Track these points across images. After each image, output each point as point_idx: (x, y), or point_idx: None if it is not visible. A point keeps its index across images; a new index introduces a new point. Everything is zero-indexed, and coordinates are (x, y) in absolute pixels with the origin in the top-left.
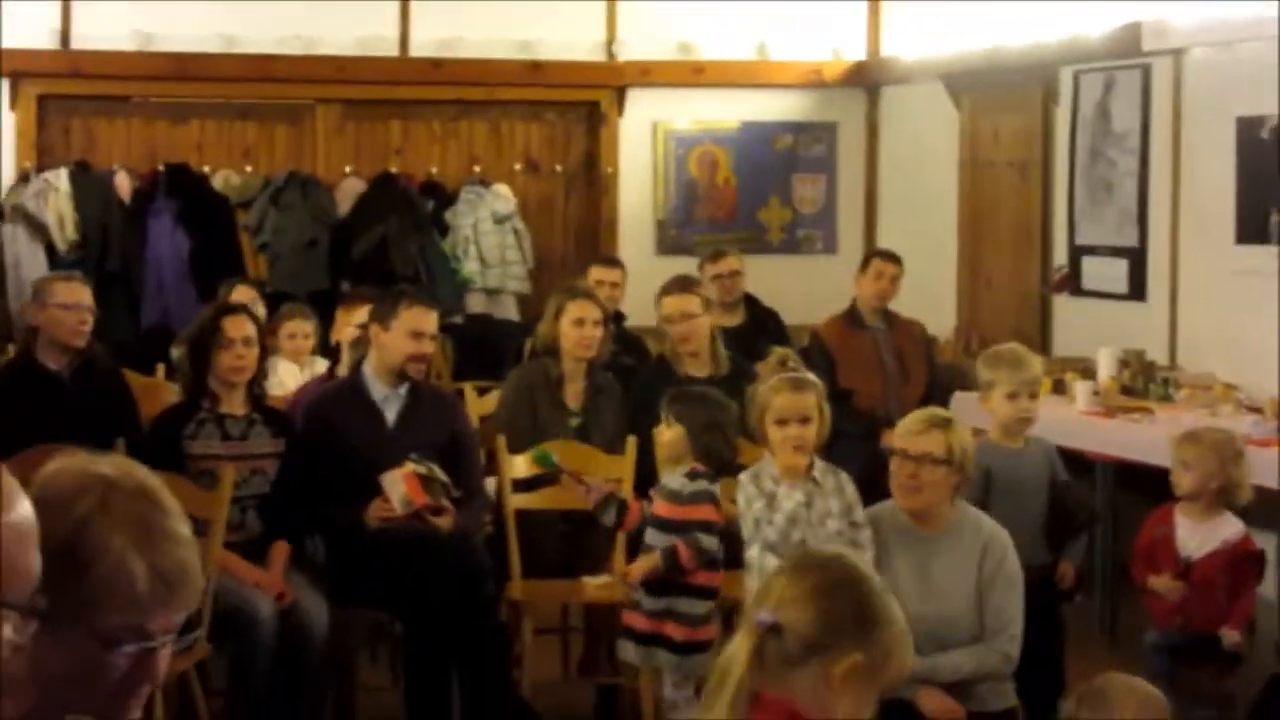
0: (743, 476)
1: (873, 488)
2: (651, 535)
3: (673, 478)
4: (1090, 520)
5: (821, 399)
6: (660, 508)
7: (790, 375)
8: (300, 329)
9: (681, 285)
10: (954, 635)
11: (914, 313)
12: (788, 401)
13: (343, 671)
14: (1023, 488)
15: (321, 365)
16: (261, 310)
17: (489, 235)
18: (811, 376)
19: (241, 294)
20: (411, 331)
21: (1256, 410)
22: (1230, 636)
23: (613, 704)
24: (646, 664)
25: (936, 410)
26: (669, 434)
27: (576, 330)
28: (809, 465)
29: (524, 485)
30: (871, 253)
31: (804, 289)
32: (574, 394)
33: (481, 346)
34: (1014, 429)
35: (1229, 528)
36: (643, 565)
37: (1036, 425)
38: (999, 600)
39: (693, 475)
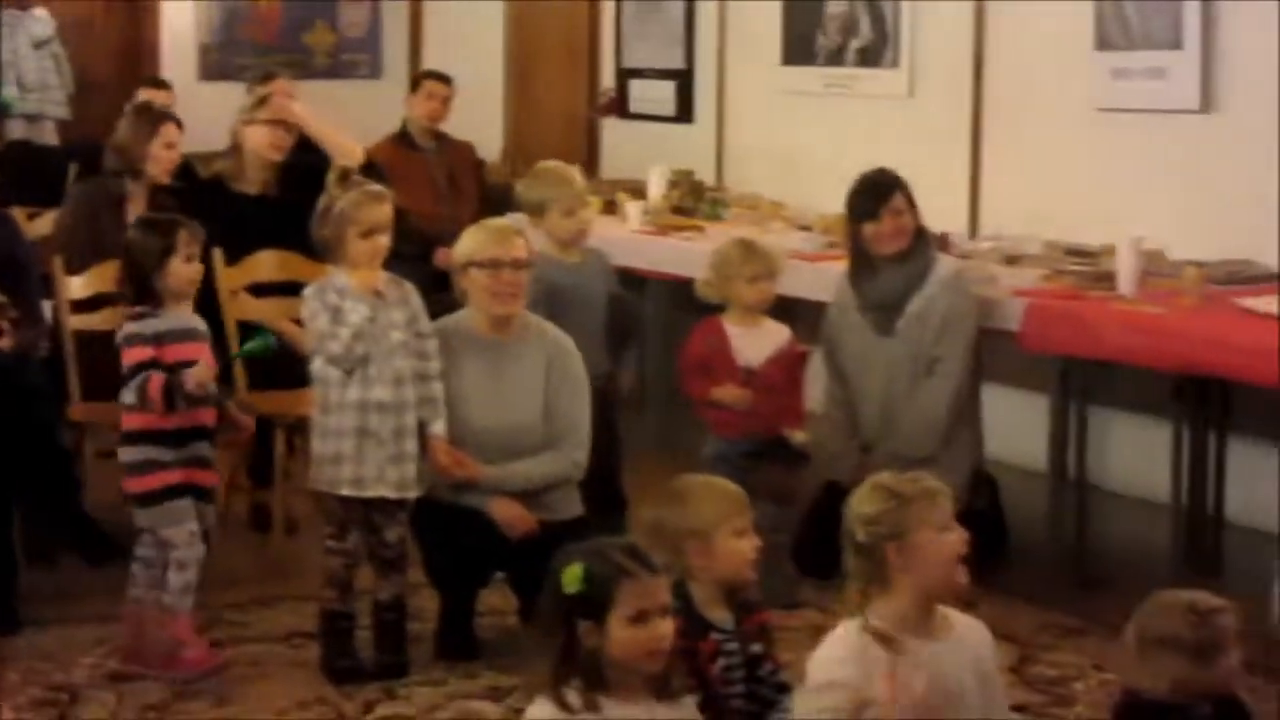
0: (307, 291)
1: (430, 305)
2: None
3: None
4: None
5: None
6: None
7: (370, 188)
8: None
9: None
10: (525, 444)
11: (461, 134)
12: (376, 213)
13: None
14: (583, 300)
15: None
16: None
17: (28, 60)
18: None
19: None
20: None
21: (805, 228)
22: (797, 435)
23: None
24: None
25: (499, 220)
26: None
27: (167, 153)
28: None
29: (82, 306)
30: (422, 74)
31: (350, 113)
32: (136, 213)
33: (22, 172)
34: (576, 241)
35: (779, 333)
36: (203, 372)
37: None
38: (566, 406)
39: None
